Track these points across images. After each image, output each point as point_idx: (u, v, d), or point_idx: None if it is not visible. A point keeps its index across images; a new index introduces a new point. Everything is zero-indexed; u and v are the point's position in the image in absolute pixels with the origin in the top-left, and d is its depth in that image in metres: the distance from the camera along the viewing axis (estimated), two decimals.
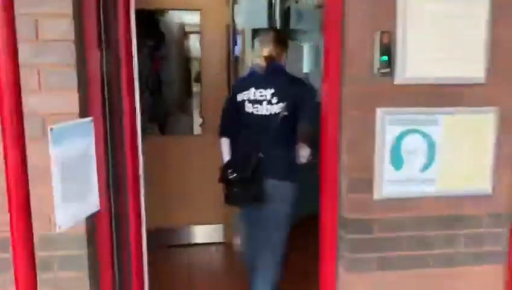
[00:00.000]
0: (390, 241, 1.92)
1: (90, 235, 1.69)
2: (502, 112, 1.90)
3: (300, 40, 4.16)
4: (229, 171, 2.24)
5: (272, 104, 2.26)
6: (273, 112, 2.26)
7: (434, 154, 1.89)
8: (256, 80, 2.35)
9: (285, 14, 3.94)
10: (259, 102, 2.29)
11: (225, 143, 2.46)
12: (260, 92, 2.29)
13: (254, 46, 2.55)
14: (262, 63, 2.33)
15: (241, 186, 2.21)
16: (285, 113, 2.22)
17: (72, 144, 1.28)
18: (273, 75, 2.34)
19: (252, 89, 2.31)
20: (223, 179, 2.26)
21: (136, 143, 1.89)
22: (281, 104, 2.24)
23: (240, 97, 2.36)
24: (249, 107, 2.32)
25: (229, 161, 2.38)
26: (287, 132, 2.25)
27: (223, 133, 2.48)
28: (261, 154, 2.20)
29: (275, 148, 2.24)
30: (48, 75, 1.59)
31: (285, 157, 2.29)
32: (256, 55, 2.43)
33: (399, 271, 1.94)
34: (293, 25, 4.01)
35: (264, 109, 2.28)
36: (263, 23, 3.67)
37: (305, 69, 4.31)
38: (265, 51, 2.34)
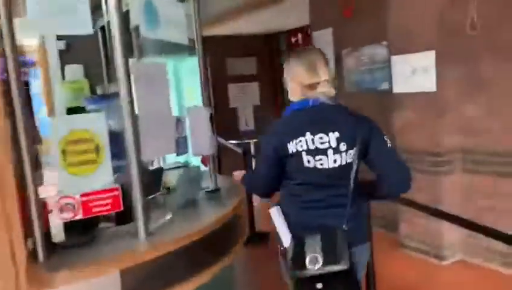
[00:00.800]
0: None
1: None
2: None
3: None
4: (308, 259, 1.59)
5: (340, 152, 1.69)
6: (343, 163, 1.70)
7: None
8: (310, 120, 1.72)
9: None
10: (322, 151, 1.69)
11: (279, 213, 1.75)
12: (320, 138, 1.69)
13: (293, 69, 1.81)
14: (326, 92, 1.73)
15: (331, 281, 1.60)
16: (356, 162, 1.71)
17: None
18: (335, 111, 1.75)
19: (308, 135, 1.69)
20: (296, 273, 1.62)
21: None
22: (352, 152, 1.69)
23: (291, 147, 1.71)
24: (309, 160, 1.70)
25: (297, 244, 1.66)
26: (357, 185, 1.74)
27: (267, 196, 1.92)
28: (345, 227, 1.67)
29: (356, 210, 1.74)
30: None
31: (365, 216, 1.92)
32: (304, 80, 1.75)
33: None
34: None
35: (330, 161, 1.69)
36: None
37: None
38: (325, 74, 1.75)
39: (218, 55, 7.05)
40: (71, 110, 2.35)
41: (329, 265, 1.58)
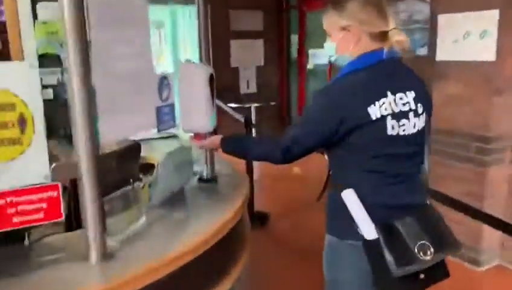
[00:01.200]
0: None
1: None
2: None
3: None
4: (418, 248, 1.32)
5: (418, 115, 1.45)
6: (420, 128, 1.46)
7: None
8: (388, 77, 1.43)
9: None
10: (405, 115, 1.41)
11: (355, 197, 1.39)
12: (401, 98, 1.41)
13: (357, 14, 1.43)
14: (403, 41, 1.41)
15: (432, 269, 1.37)
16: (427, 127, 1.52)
17: None
18: (404, 66, 1.50)
19: (389, 94, 1.39)
20: (405, 269, 1.32)
21: None
22: (425, 115, 1.48)
23: (374, 112, 1.36)
24: (393, 126, 1.39)
25: (390, 233, 1.36)
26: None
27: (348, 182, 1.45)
28: (428, 202, 1.50)
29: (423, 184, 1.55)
30: None
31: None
32: (372, 28, 1.41)
33: None
34: None
35: (411, 125, 1.43)
36: None
37: None
38: (395, 21, 1.43)
39: (220, 6, 6.18)
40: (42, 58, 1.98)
41: (441, 251, 1.36)
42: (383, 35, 1.40)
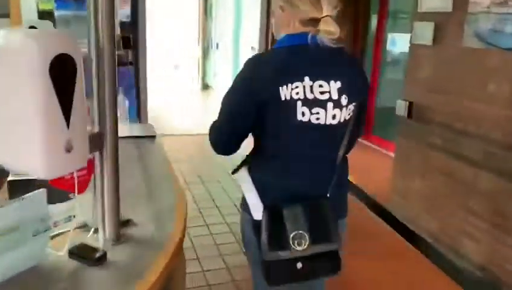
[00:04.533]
0: None
1: None
2: None
3: None
4: (292, 237, 1.32)
5: (341, 106, 1.38)
6: (341, 120, 1.40)
7: None
8: (311, 62, 1.36)
9: None
10: (321, 103, 1.35)
11: (249, 177, 1.43)
12: (320, 86, 1.34)
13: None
14: (332, 31, 1.33)
15: (314, 259, 1.36)
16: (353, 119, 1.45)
17: None
18: (337, 55, 1.41)
19: (307, 80, 1.32)
20: (276, 255, 1.33)
21: None
22: (351, 107, 1.41)
23: (284, 93, 1.32)
24: (304, 113, 1.34)
25: (274, 217, 1.35)
26: (349, 147, 1.52)
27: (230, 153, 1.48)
28: (328, 195, 1.43)
29: (343, 177, 1.51)
30: None
31: (348, 185, 1.60)
32: (302, 13, 1.36)
33: None
34: None
35: (329, 116, 1.37)
36: None
37: None
38: (330, 9, 1.35)
39: None
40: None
41: (318, 244, 1.35)
42: (315, 22, 1.34)
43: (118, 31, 3.00)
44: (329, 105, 1.35)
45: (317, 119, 1.34)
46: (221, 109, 1.41)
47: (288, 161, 1.40)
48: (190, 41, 10.00)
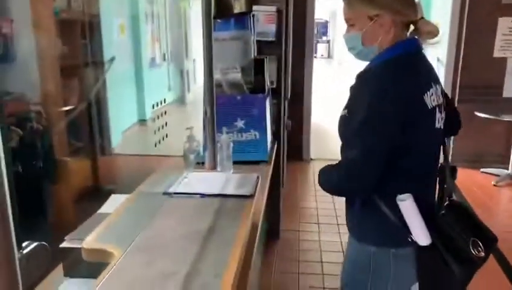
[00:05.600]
0: None
1: None
2: None
3: None
4: (472, 244, 1.23)
5: (443, 111, 1.35)
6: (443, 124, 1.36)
7: None
8: (429, 67, 1.36)
9: None
10: (442, 108, 1.33)
11: (414, 204, 1.23)
12: (437, 90, 1.31)
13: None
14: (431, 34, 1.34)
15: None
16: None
17: None
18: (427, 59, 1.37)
19: (433, 85, 1.29)
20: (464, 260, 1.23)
21: None
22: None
23: (428, 100, 1.25)
24: (439, 119, 1.31)
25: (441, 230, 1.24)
26: None
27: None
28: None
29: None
30: None
31: None
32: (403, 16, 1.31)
33: None
34: None
35: (441, 120, 1.34)
36: None
37: None
38: (420, 12, 1.34)
39: None
40: None
41: (489, 245, 1.29)
42: (410, 26, 1.33)
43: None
44: (440, 109, 1.33)
45: (440, 125, 1.32)
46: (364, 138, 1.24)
47: (425, 175, 1.34)
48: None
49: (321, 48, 8.18)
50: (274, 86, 2.91)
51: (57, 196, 2.74)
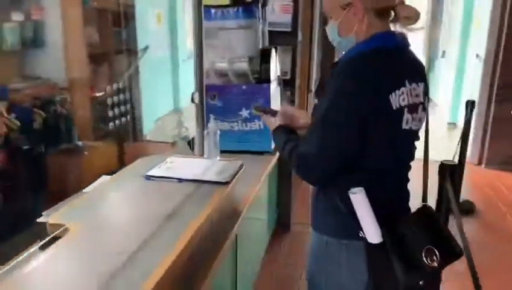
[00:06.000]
0: None
1: None
2: None
3: None
4: (424, 253, 1.18)
5: (424, 109, 1.30)
6: (420, 126, 1.32)
7: None
8: (406, 63, 1.29)
9: None
10: (416, 108, 1.26)
11: (366, 199, 1.20)
12: (414, 90, 1.25)
13: None
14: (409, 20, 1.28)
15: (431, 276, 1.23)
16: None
17: None
18: (412, 52, 1.33)
19: (407, 84, 1.22)
20: (414, 278, 1.19)
21: None
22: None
23: (394, 100, 1.20)
24: (408, 121, 1.25)
25: (393, 236, 1.20)
26: None
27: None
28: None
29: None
30: None
31: None
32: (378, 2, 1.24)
33: None
34: None
35: (417, 120, 1.29)
36: None
37: None
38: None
39: None
40: None
41: (448, 258, 1.22)
42: (389, 12, 1.25)
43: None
44: (420, 108, 1.28)
45: (415, 125, 1.28)
46: (322, 131, 1.22)
47: (390, 173, 1.29)
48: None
49: None
50: (288, 77, 2.89)
51: (81, 178, 2.87)
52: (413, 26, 1.30)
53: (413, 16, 1.25)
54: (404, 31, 1.35)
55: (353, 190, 1.21)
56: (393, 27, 1.32)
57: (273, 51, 2.46)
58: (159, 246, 1.14)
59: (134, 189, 1.53)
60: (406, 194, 1.37)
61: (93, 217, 1.31)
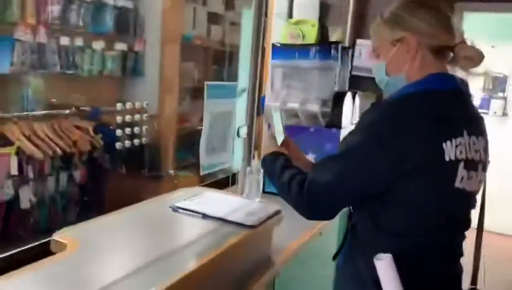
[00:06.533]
0: None
1: None
2: None
3: None
4: None
5: (485, 169, 1.11)
6: (478, 189, 1.12)
7: None
8: (466, 112, 1.11)
9: None
10: (475, 166, 1.06)
11: (393, 266, 1.01)
12: (474, 144, 1.06)
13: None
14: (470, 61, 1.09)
15: None
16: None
17: None
18: (470, 99, 1.15)
19: (465, 135, 1.04)
20: None
21: None
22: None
23: (449, 150, 1.01)
24: (463, 178, 1.04)
25: None
26: None
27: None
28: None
29: None
30: None
31: None
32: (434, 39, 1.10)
33: None
34: None
35: (477, 181, 1.09)
36: None
37: None
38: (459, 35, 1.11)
39: None
40: None
41: None
42: (446, 51, 1.10)
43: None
44: (480, 167, 1.09)
45: (470, 186, 1.07)
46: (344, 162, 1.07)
47: (437, 240, 1.08)
48: None
49: (495, 105, 7.15)
50: None
51: None
52: (474, 69, 1.09)
53: (474, 57, 1.08)
54: (464, 76, 1.14)
55: (379, 255, 1.01)
56: (452, 70, 1.12)
57: (349, 95, 2.29)
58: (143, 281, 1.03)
59: (155, 218, 1.46)
60: (457, 271, 1.13)
61: (96, 238, 1.26)
